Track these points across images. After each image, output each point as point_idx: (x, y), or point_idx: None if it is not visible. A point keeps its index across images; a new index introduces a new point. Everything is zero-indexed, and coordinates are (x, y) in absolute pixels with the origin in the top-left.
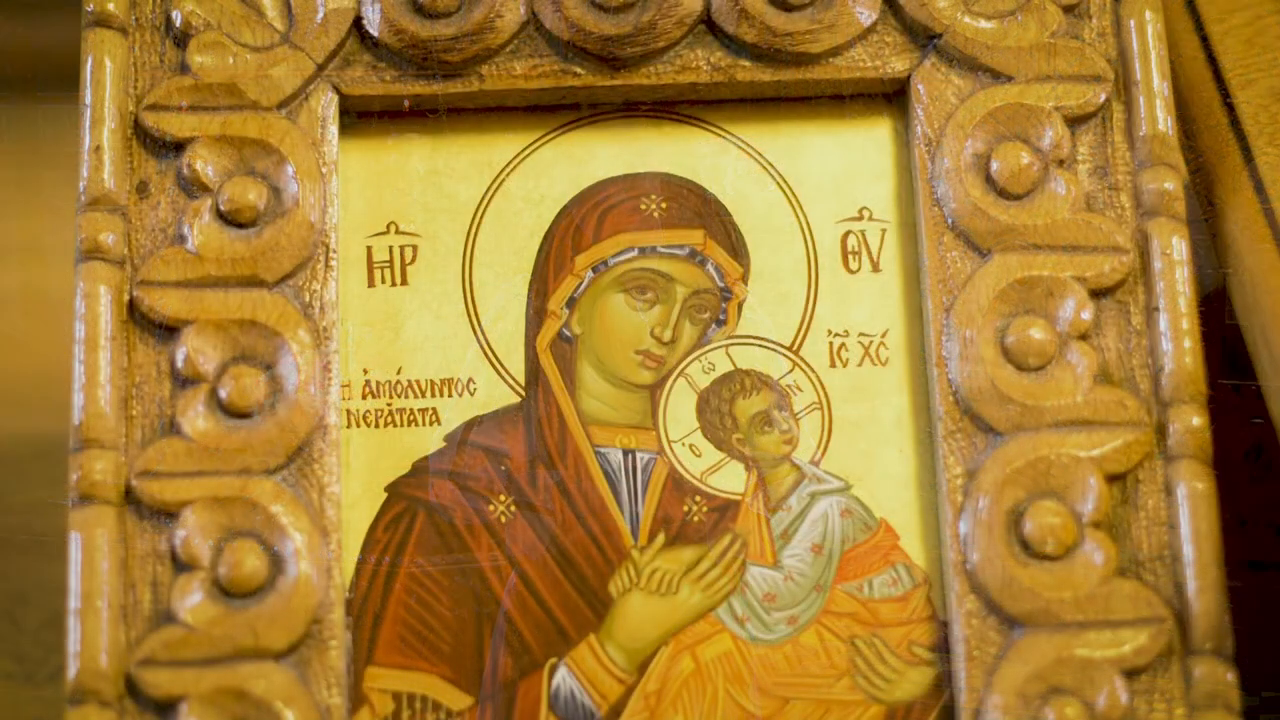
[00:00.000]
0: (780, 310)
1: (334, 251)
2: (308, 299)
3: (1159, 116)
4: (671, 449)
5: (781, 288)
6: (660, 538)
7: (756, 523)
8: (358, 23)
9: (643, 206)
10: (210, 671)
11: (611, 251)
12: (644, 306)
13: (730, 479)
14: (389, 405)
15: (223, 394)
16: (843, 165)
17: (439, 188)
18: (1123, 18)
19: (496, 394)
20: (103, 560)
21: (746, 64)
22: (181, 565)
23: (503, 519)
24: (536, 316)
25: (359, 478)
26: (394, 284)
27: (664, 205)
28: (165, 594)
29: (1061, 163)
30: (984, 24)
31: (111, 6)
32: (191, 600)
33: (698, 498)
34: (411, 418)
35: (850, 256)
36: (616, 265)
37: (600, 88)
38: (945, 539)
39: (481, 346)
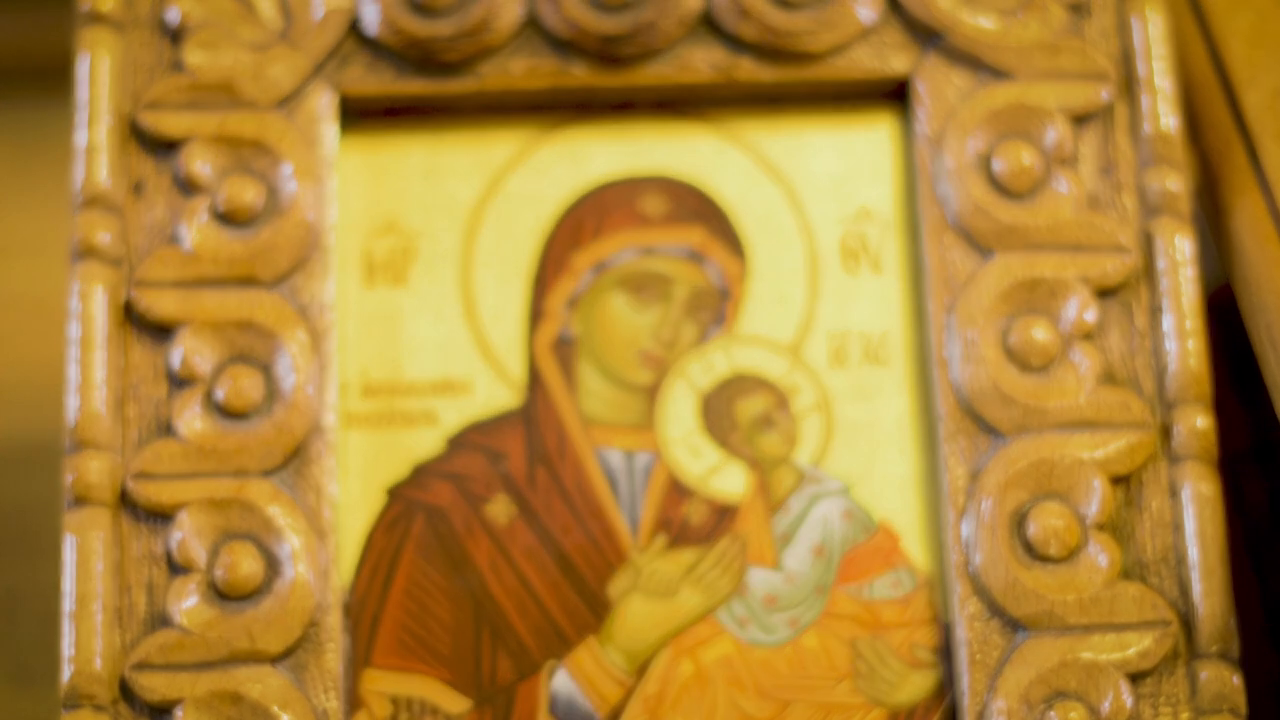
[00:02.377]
0: (780, 310)
1: (332, 251)
2: (305, 299)
3: (1163, 115)
4: (671, 450)
5: (781, 288)
6: (660, 539)
7: (757, 524)
8: (356, 22)
9: (643, 206)
10: (206, 675)
11: (611, 251)
12: (644, 306)
13: (730, 480)
14: (388, 406)
15: (219, 395)
16: (843, 165)
17: (437, 187)
18: (1126, 16)
19: (496, 395)
20: (97, 563)
21: (747, 63)
22: (177, 568)
23: (502, 520)
24: (536, 317)
25: (357, 479)
26: (393, 284)
27: (664, 205)
28: (160, 597)
29: (1064, 162)
30: (986, 22)
31: (107, 4)
32: (187, 603)
33: (697, 499)
34: (410, 419)
35: (851, 257)
36: (616, 265)
37: (600, 87)
38: (947, 541)
39: (481, 347)
